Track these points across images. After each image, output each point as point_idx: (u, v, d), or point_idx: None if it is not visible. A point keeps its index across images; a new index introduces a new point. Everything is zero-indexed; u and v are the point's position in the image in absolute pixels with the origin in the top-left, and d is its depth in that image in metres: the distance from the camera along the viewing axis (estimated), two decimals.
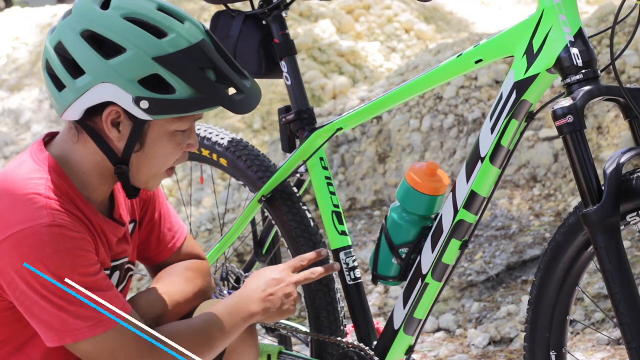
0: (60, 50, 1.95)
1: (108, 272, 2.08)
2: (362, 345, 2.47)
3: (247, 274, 2.78)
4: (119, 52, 1.91)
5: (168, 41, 1.92)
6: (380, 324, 2.54)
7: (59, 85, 1.95)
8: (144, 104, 1.91)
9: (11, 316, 1.96)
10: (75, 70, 1.93)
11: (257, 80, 2.13)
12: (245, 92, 2.00)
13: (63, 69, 1.94)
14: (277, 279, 2.18)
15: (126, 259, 2.15)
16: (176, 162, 2.04)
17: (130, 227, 2.19)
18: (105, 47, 1.92)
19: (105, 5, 1.94)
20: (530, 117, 2.17)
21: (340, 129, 2.52)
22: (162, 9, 1.96)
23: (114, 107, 1.93)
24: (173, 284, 2.22)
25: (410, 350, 2.45)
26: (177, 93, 1.92)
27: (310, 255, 2.27)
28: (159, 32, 1.92)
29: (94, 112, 1.95)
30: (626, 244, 3.78)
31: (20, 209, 1.90)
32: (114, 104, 1.93)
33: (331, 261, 2.58)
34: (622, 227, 2.01)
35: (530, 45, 2.10)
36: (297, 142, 2.61)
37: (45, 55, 1.98)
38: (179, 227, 2.33)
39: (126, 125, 1.95)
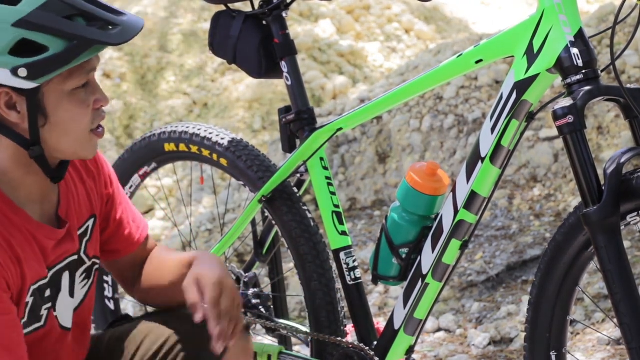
0: None
1: (45, 281, 2.02)
2: (362, 345, 2.47)
3: (247, 274, 2.78)
4: None
5: (24, 3, 1.86)
6: (380, 324, 2.54)
7: None
8: (22, 72, 1.86)
9: None
10: None
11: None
12: (120, 24, 1.93)
13: None
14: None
15: (74, 257, 2.10)
16: (94, 122, 1.97)
17: (90, 222, 2.15)
18: None
19: None
20: (531, 117, 2.17)
21: (341, 129, 2.52)
22: None
23: (0, 90, 1.89)
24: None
25: (410, 350, 2.45)
26: (51, 49, 1.87)
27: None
28: (14, 1, 1.87)
29: None
30: (626, 244, 3.78)
31: None
32: None
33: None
34: (622, 227, 2.01)
35: (531, 45, 2.10)
36: (297, 142, 2.61)
37: None
38: (140, 217, 2.30)
39: (21, 102, 1.90)
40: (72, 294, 2.12)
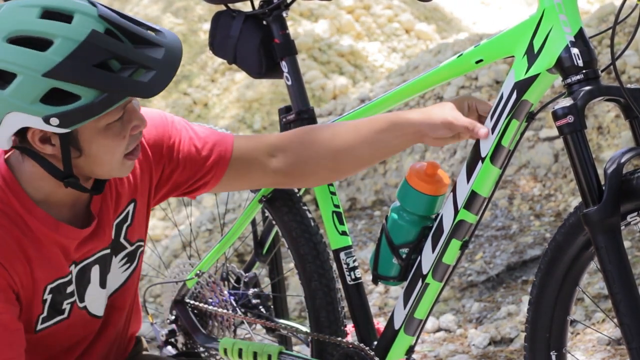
0: None
1: (66, 279, 2.04)
2: (362, 345, 2.47)
3: (247, 274, 2.78)
4: (11, 79, 1.81)
5: (54, 50, 1.80)
6: (380, 324, 2.54)
7: None
8: (54, 121, 1.81)
9: None
10: None
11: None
12: (154, 67, 1.86)
13: None
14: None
15: (105, 251, 2.10)
16: (129, 146, 1.95)
17: (130, 207, 2.13)
18: None
19: None
20: (531, 117, 2.16)
21: None
22: (47, 10, 1.83)
23: (33, 128, 1.86)
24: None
25: (410, 350, 2.45)
26: (83, 98, 1.81)
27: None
28: (43, 43, 1.81)
29: (19, 136, 1.88)
30: (626, 244, 3.78)
31: None
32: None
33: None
34: (622, 227, 2.01)
35: (531, 45, 2.10)
36: None
37: None
38: (210, 138, 2.18)
39: (55, 137, 1.88)
40: (103, 285, 2.14)
